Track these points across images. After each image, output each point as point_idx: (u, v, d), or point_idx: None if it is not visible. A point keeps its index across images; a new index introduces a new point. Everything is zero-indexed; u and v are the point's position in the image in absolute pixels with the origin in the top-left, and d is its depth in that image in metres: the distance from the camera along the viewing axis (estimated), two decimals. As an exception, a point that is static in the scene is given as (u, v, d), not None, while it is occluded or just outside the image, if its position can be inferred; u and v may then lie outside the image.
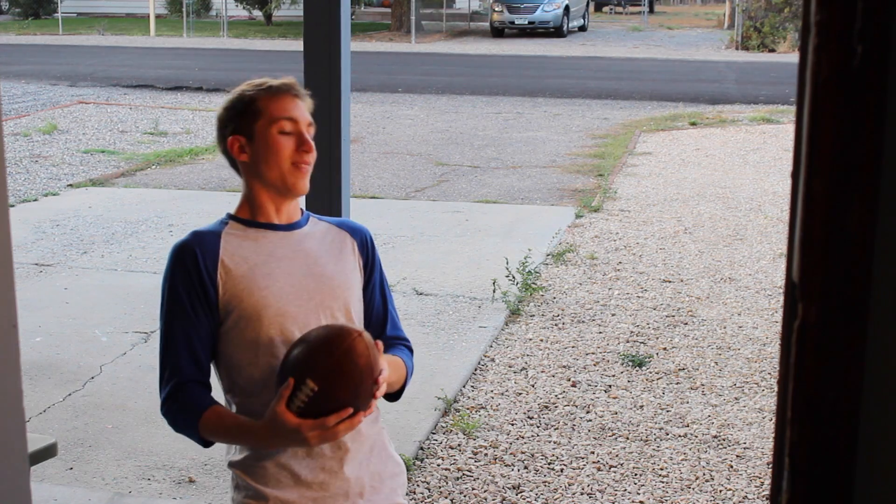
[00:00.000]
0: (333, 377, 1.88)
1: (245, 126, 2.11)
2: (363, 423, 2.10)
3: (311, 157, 2.12)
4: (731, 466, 4.29)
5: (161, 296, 2.15)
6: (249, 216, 2.16)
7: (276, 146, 2.09)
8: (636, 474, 4.22)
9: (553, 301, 6.38)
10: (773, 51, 23.41)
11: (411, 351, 2.32)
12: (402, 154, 11.47)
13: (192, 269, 2.08)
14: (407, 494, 4.00)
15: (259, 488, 2.08)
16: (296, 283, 2.10)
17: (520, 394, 5.01)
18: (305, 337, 1.96)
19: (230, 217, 2.18)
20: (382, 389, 1.99)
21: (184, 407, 2.07)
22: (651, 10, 36.65)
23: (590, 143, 12.17)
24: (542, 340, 5.72)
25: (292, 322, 2.08)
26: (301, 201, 2.25)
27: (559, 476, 4.20)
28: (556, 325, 5.97)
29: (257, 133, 2.10)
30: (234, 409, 2.13)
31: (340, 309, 2.13)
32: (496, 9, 28.03)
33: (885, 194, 0.78)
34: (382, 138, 12.37)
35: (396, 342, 2.27)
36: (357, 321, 2.17)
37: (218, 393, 2.17)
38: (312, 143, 2.11)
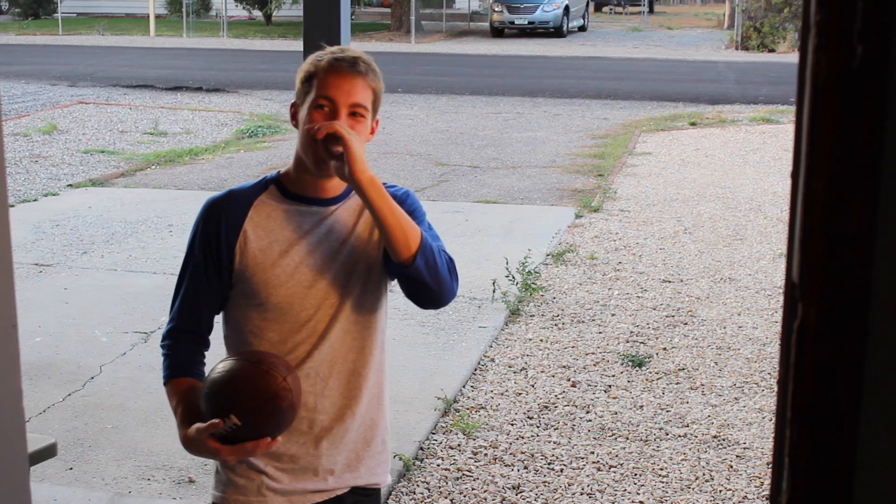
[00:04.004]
0: (258, 417, 1.94)
1: (300, 93, 2.12)
2: (356, 406, 2.16)
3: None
4: (731, 466, 4.29)
5: (188, 240, 2.22)
6: (289, 184, 2.16)
7: (306, 121, 2.07)
8: (636, 474, 4.22)
9: (553, 301, 6.38)
10: (772, 51, 23.41)
11: (449, 258, 2.15)
12: (402, 154, 11.47)
13: (213, 233, 2.13)
14: (407, 494, 4.02)
15: None
16: (312, 263, 2.11)
17: (520, 394, 5.01)
18: (234, 371, 1.97)
19: (275, 180, 2.19)
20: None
21: (167, 356, 2.20)
22: (651, 10, 36.66)
23: (590, 143, 12.17)
24: (541, 340, 5.72)
25: (301, 302, 2.11)
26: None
27: (559, 476, 4.20)
28: (555, 325, 5.97)
29: (304, 103, 2.10)
30: None
31: (356, 282, 2.14)
32: (496, 9, 28.04)
33: (885, 194, 0.78)
34: (382, 138, 12.37)
35: None
36: (377, 297, 2.17)
37: (217, 346, 2.24)
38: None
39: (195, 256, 2.17)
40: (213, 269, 2.15)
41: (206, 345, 2.24)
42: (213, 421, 1.95)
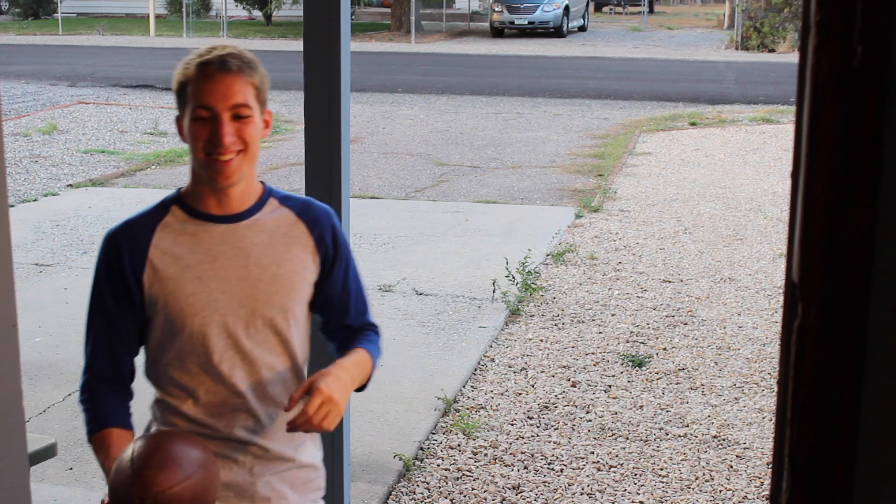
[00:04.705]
0: None
1: (179, 107, 2.00)
2: (288, 434, 2.06)
3: (227, 153, 1.94)
4: (731, 466, 4.29)
5: (91, 282, 2.06)
6: (192, 202, 2.03)
7: (192, 135, 1.95)
8: (636, 474, 4.22)
9: (553, 301, 6.38)
10: (772, 51, 23.41)
11: (378, 334, 2.21)
12: (402, 154, 11.47)
13: (116, 269, 1.99)
14: (407, 494, 4.02)
15: None
16: (228, 289, 2.00)
17: (520, 394, 5.01)
18: (121, 467, 1.83)
19: (176, 199, 2.05)
20: None
21: (87, 411, 2.05)
22: (651, 11, 36.66)
23: (590, 143, 12.17)
24: (541, 340, 5.72)
25: (219, 331, 2.00)
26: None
27: (559, 476, 4.20)
28: (555, 325, 5.97)
29: (185, 117, 1.98)
30: (154, 397, 2.09)
31: (279, 314, 2.04)
32: (496, 9, 28.03)
33: (885, 194, 0.78)
34: (382, 138, 12.37)
35: (361, 331, 2.19)
36: (299, 323, 2.08)
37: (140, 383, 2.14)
38: (227, 137, 1.93)
39: (103, 298, 2.01)
40: (125, 308, 2.00)
41: (130, 395, 2.10)
42: (104, 500, 1.88)
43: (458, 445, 4.46)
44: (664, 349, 5.58)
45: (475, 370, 5.30)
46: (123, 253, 1.99)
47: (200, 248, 2.00)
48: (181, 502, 1.81)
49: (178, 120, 2.01)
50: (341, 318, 2.17)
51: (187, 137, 1.97)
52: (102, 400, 2.04)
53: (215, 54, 1.95)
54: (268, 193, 2.09)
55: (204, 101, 1.93)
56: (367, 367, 2.11)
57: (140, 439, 1.89)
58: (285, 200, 2.10)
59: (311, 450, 2.18)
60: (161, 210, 2.03)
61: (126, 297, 2.00)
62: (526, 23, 27.74)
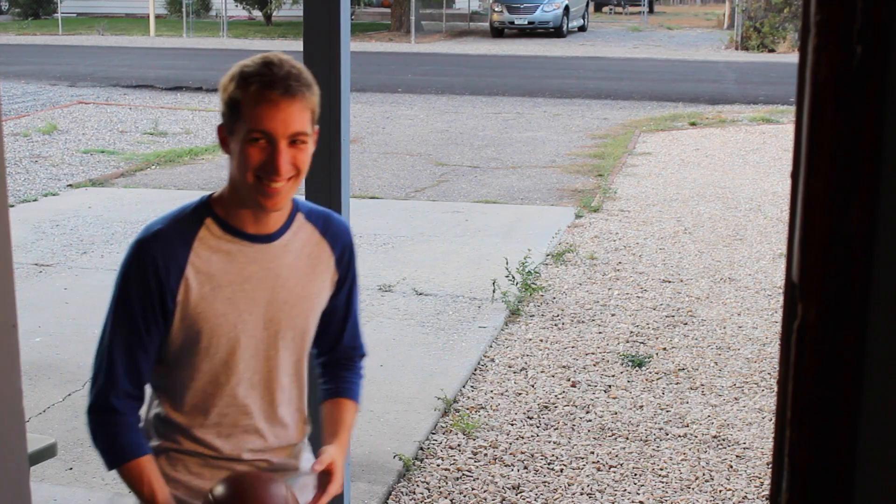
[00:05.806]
0: None
1: (228, 120, 1.91)
2: (285, 459, 2.12)
3: (281, 180, 1.87)
4: (731, 466, 4.29)
5: (113, 290, 1.96)
6: (227, 216, 1.96)
7: (243, 156, 1.87)
8: (636, 474, 4.22)
9: (553, 301, 6.38)
10: (772, 51, 23.41)
11: (362, 363, 2.25)
12: (402, 154, 11.47)
13: (153, 278, 1.90)
14: (407, 494, 4.02)
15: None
16: (256, 311, 1.98)
17: (519, 394, 5.01)
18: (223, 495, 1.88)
19: (209, 209, 1.97)
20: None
21: (112, 435, 1.96)
22: (651, 11, 36.66)
23: (590, 143, 12.17)
24: (541, 340, 5.72)
25: (242, 354, 1.99)
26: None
27: (559, 476, 4.20)
28: (555, 325, 5.97)
29: (235, 133, 1.90)
30: (154, 409, 2.06)
31: (297, 335, 2.05)
32: (496, 9, 28.04)
33: (885, 194, 0.78)
34: (382, 138, 12.37)
35: (352, 363, 2.23)
36: (309, 341, 2.10)
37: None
38: (284, 166, 1.86)
39: (130, 308, 1.92)
40: (152, 321, 1.92)
41: (142, 406, 2.03)
42: None
43: (458, 445, 4.46)
44: (664, 349, 5.58)
45: (475, 370, 5.30)
46: (160, 266, 1.90)
47: (233, 267, 1.95)
48: None
49: (222, 129, 1.94)
50: (336, 336, 2.19)
51: (235, 155, 1.90)
52: (128, 424, 1.96)
53: (278, 73, 1.85)
54: (296, 209, 2.04)
55: (262, 126, 1.84)
56: (350, 431, 2.19)
57: (224, 484, 1.92)
58: (309, 215, 2.07)
59: (308, 456, 2.20)
60: (196, 221, 1.95)
61: (154, 311, 1.92)
62: (526, 23, 27.74)
